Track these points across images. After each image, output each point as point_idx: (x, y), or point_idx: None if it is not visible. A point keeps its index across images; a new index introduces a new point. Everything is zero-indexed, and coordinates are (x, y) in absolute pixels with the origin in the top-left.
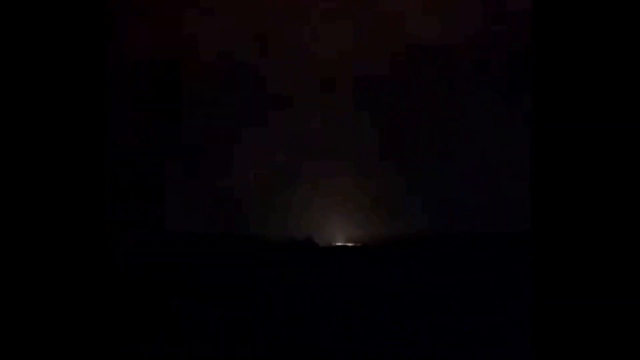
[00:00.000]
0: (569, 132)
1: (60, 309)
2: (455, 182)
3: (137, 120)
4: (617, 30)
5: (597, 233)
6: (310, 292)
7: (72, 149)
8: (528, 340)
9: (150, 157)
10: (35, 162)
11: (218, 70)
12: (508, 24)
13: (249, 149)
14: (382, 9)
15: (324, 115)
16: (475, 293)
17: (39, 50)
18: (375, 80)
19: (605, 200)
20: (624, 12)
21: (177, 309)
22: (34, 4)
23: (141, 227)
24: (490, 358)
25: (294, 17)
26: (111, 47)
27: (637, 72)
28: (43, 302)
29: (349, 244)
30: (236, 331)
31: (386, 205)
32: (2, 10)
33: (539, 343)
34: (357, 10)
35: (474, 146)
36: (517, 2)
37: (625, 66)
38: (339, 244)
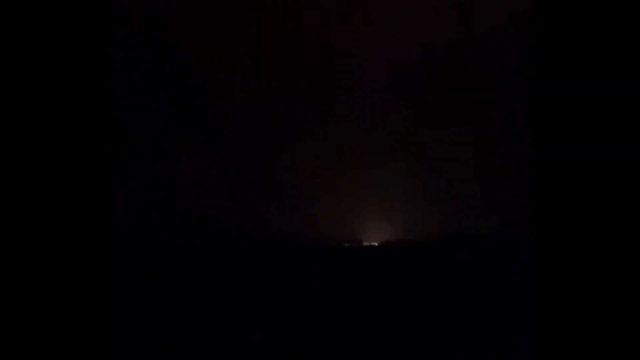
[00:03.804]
0: (570, 133)
1: (60, 310)
2: (460, 183)
3: (139, 119)
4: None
5: (599, 233)
6: (317, 291)
7: (71, 147)
8: (528, 340)
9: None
10: (34, 160)
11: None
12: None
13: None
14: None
15: (335, 113)
16: (478, 293)
17: (36, 46)
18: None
19: (607, 201)
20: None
21: (179, 308)
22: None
23: (143, 227)
24: (490, 356)
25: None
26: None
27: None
28: (42, 303)
29: (356, 244)
30: (239, 331)
31: (398, 207)
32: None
33: (539, 343)
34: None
35: (481, 146)
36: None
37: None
38: (348, 244)
